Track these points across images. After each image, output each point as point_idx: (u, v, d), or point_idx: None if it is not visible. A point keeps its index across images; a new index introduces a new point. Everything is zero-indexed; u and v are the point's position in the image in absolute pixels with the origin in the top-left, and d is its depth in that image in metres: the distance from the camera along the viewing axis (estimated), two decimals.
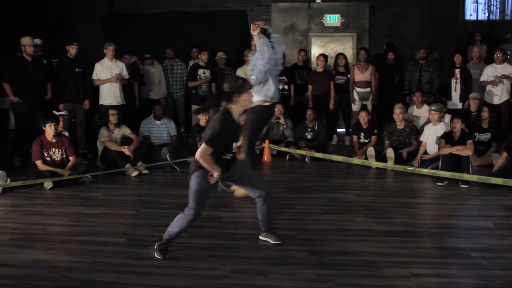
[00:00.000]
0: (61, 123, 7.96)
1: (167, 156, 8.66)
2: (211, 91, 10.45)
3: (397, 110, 8.91)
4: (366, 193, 7.20)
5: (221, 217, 5.98)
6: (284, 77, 10.37)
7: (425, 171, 7.85)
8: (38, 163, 7.52)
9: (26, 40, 8.89)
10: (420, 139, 8.60)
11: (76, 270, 4.48)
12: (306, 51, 11.63)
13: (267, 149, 9.37)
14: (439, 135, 8.06)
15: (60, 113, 8.10)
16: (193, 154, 9.05)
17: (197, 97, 10.49)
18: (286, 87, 10.36)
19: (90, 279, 4.30)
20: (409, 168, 8.06)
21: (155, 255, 4.68)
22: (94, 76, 9.45)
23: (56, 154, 7.65)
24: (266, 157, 9.35)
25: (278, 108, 9.73)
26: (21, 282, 4.26)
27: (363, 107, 10.03)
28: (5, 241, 5.25)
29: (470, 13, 12.65)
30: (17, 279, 4.31)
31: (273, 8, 12.72)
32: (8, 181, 7.24)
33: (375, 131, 9.23)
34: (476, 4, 12.59)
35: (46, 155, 7.58)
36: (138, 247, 5.00)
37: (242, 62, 10.78)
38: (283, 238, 5.08)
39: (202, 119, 9.49)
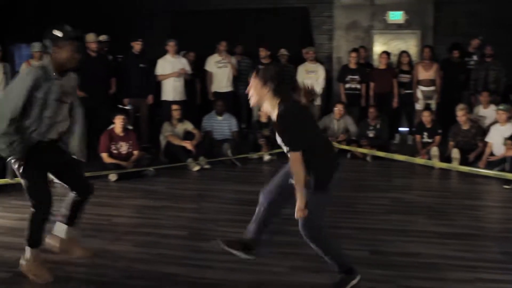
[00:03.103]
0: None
1: (228, 152, 8.75)
2: None
3: (459, 113, 8.69)
4: (429, 193, 7.08)
5: (281, 214, 5.98)
6: (357, 76, 10.28)
7: (491, 173, 7.64)
8: (104, 155, 7.74)
9: (89, 37, 9.19)
10: (486, 139, 8.38)
11: (141, 261, 4.59)
12: (364, 48, 11.48)
13: None
14: (507, 136, 7.84)
15: (125, 107, 8.32)
16: (254, 150, 9.23)
17: None
18: (358, 86, 10.27)
19: (154, 270, 4.40)
20: (474, 170, 7.87)
21: None
22: (157, 72, 9.62)
23: (123, 147, 7.86)
24: None
25: (339, 108, 9.67)
26: (88, 270, 4.42)
27: (426, 107, 9.83)
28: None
29: None
30: (84, 267, 4.46)
31: (335, 5, 12.60)
32: None
33: (439, 131, 9.04)
34: None
35: (113, 148, 7.80)
36: (200, 240, 5.08)
37: (303, 59, 10.74)
38: (343, 237, 5.06)
39: (263, 116, 9.53)
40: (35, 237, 4.22)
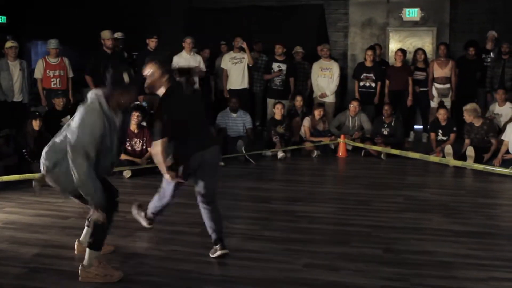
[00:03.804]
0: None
1: (242, 149, 8.76)
2: (285, 85, 10.41)
3: (465, 113, 8.61)
4: (443, 192, 7.03)
5: (295, 211, 5.99)
6: (371, 74, 10.23)
7: (506, 171, 7.57)
8: None
9: (105, 34, 9.23)
10: (502, 137, 8.29)
11: (153, 257, 4.62)
12: (380, 45, 11.42)
13: (342, 144, 9.29)
14: None
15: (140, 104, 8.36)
16: (268, 147, 9.22)
17: (271, 91, 10.51)
18: (373, 84, 10.23)
19: (166, 266, 4.42)
20: (489, 168, 7.80)
21: None
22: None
23: (138, 144, 7.90)
24: (341, 152, 9.28)
25: (354, 105, 9.63)
26: None
27: (441, 105, 9.73)
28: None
29: None
30: None
31: (351, 2, 12.54)
32: None
33: (454, 128, 8.96)
34: None
35: (127, 144, 7.83)
36: None
37: (318, 56, 10.70)
38: (357, 235, 5.06)
39: (278, 113, 9.53)
40: (101, 241, 4.19)
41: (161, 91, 4.40)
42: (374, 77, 10.23)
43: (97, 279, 4.11)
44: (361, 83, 10.31)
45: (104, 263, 4.18)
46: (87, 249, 4.16)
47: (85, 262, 4.15)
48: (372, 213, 5.90)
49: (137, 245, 4.91)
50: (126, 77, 4.14)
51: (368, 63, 10.30)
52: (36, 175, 7.03)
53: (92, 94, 4.07)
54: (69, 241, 4.99)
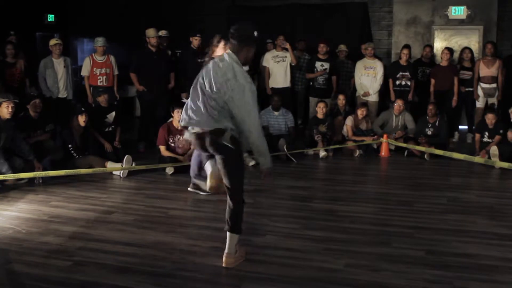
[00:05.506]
0: None
1: (284, 147, 8.75)
2: (328, 84, 10.37)
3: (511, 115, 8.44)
4: (488, 193, 6.88)
5: (336, 211, 5.96)
6: (407, 73, 10.11)
7: None
8: (162, 148, 7.87)
9: (150, 32, 9.34)
10: None
11: (195, 253, 4.65)
12: (431, 46, 11.26)
13: (385, 144, 9.19)
14: None
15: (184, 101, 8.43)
16: (310, 146, 9.19)
17: (314, 90, 10.47)
18: (408, 82, 10.11)
19: (208, 263, 4.44)
20: None
21: None
22: None
23: (181, 140, 7.96)
24: (384, 152, 9.19)
25: (399, 104, 9.52)
26: (143, 261, 4.48)
27: (491, 108, 9.42)
28: (129, 221, 5.55)
29: None
30: (140, 258, 4.54)
31: (395, 0, 12.41)
32: (133, 164, 7.65)
33: (501, 131, 8.73)
34: None
35: (171, 141, 7.91)
36: (253, 235, 5.09)
37: (362, 55, 10.62)
38: (399, 236, 5.00)
39: (320, 112, 9.49)
40: (241, 224, 4.40)
41: None
42: (409, 76, 10.12)
43: (238, 261, 4.41)
44: (397, 82, 10.18)
45: (238, 244, 4.43)
46: (229, 234, 4.36)
47: (229, 250, 4.36)
48: (415, 214, 5.82)
49: (179, 241, 4.95)
50: (255, 33, 4.39)
51: (403, 62, 10.19)
52: (82, 170, 7.21)
53: (226, 56, 4.27)
54: (112, 235, 5.09)
